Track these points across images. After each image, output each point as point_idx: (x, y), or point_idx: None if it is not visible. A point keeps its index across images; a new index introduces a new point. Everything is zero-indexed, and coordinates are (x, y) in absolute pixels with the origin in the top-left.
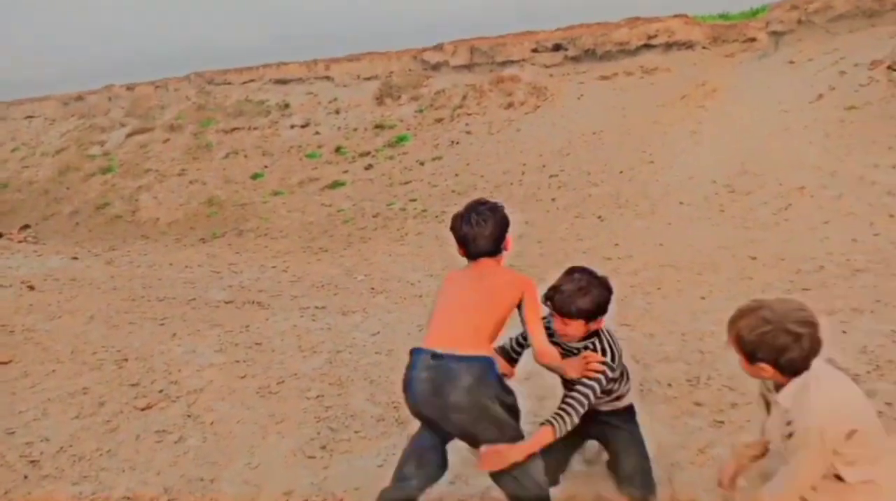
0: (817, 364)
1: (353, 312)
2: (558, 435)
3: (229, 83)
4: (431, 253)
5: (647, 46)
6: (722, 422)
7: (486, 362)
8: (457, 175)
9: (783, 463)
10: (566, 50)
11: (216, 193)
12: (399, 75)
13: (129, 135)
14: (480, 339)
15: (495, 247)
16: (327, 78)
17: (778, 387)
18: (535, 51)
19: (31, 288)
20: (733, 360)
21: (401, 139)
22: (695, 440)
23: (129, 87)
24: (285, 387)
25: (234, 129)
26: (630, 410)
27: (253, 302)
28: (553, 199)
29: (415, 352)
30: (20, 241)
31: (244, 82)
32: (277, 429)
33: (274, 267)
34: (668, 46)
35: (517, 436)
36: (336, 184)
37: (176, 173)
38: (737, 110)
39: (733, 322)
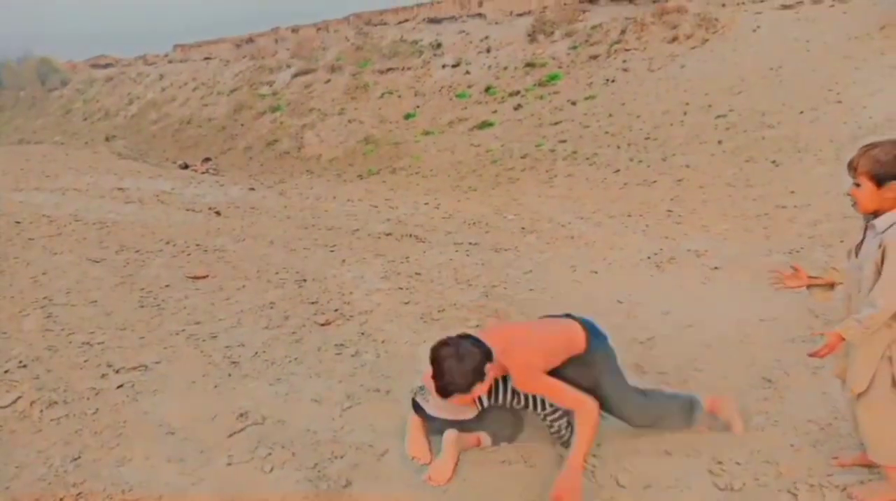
0: None
1: (506, 250)
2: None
3: (385, 23)
4: (582, 195)
5: None
6: None
7: None
8: (611, 115)
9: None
10: None
11: (372, 132)
12: (553, 10)
13: (295, 76)
14: None
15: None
16: (479, 15)
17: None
18: None
19: (218, 213)
20: None
21: (552, 78)
22: None
23: (294, 30)
24: (446, 316)
25: (388, 70)
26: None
27: (410, 236)
28: (719, 142)
29: None
30: (203, 173)
31: (399, 22)
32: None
33: (426, 203)
34: None
35: None
36: (485, 125)
37: (336, 112)
38: None
39: (864, 153)
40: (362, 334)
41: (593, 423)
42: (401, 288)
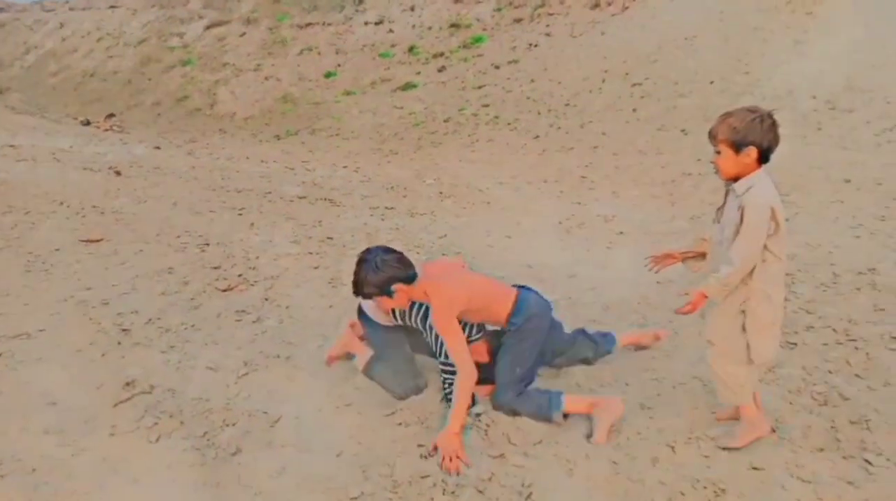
0: (765, 171)
1: (422, 214)
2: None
3: None
4: (502, 160)
5: None
6: (795, 344)
7: None
8: (533, 81)
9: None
10: None
11: (290, 90)
12: None
13: (207, 28)
14: None
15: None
16: None
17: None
18: None
19: (118, 173)
20: (813, 283)
21: (477, 40)
22: None
23: None
24: None
25: (308, 25)
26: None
27: (325, 199)
28: (634, 110)
29: None
30: (106, 129)
31: None
32: (347, 318)
33: (345, 166)
34: None
35: None
36: (408, 86)
37: (252, 68)
38: (849, 20)
39: (722, 121)
40: (266, 300)
41: (467, 388)
42: (310, 253)
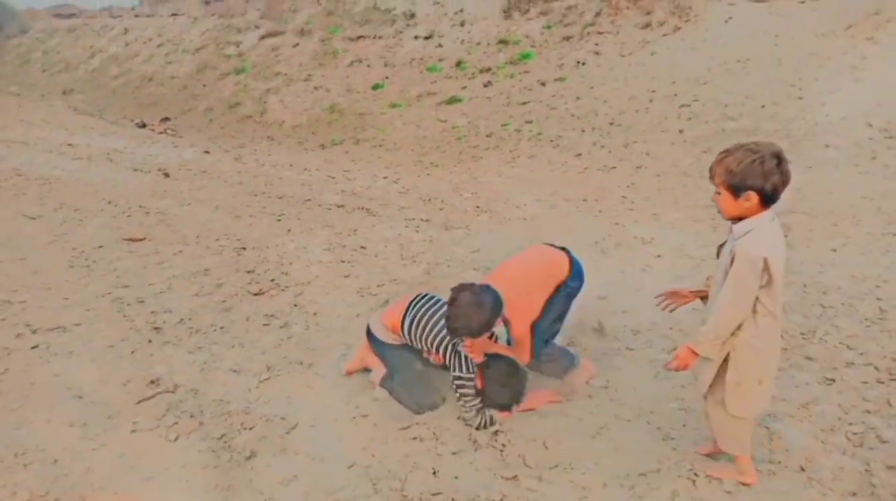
0: (772, 214)
1: (456, 228)
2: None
3: None
4: (542, 177)
5: None
6: (833, 380)
7: None
8: (578, 98)
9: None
10: None
11: (338, 101)
12: None
13: (262, 38)
14: None
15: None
16: None
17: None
18: None
19: (167, 175)
20: (857, 318)
21: (524, 56)
22: (799, 394)
23: None
24: (384, 291)
25: (359, 38)
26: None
27: (362, 209)
28: (680, 131)
29: None
30: (160, 132)
31: None
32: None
33: (385, 177)
34: None
35: None
36: (453, 100)
37: (302, 78)
38: None
39: (720, 161)
40: (295, 306)
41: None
42: (343, 261)
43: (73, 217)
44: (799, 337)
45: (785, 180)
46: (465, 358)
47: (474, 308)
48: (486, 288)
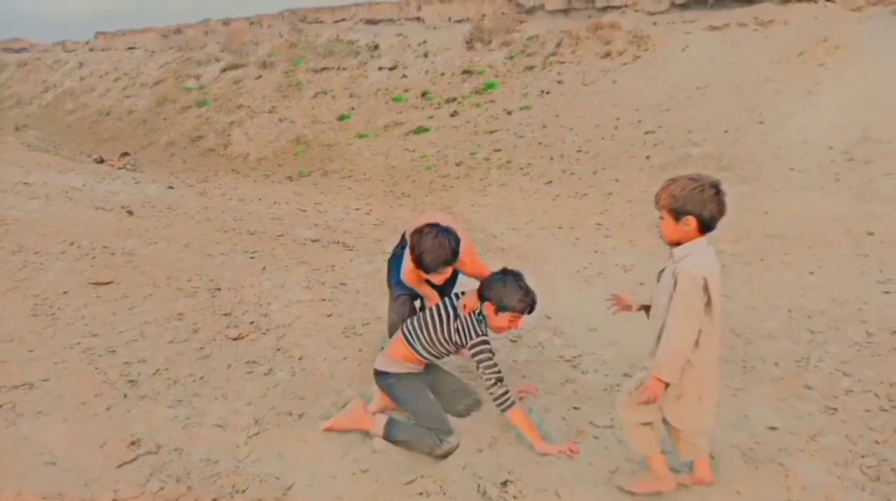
0: (707, 240)
1: None
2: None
3: (321, 21)
4: (515, 205)
5: None
6: (835, 410)
7: None
8: (545, 127)
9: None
10: None
11: (304, 132)
12: (492, 18)
13: (224, 71)
14: None
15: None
16: (418, 19)
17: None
18: None
19: (130, 213)
20: (846, 342)
21: (489, 86)
22: (804, 426)
23: (226, 23)
24: (370, 330)
25: (323, 69)
26: None
27: (338, 243)
28: (647, 157)
29: None
30: (120, 167)
31: (336, 21)
32: (361, 371)
33: (357, 209)
34: None
35: None
36: (420, 130)
37: (266, 110)
38: (862, 71)
39: (665, 188)
40: (278, 350)
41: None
42: (324, 300)
43: (33, 260)
44: (794, 365)
45: (721, 210)
46: (470, 321)
47: (442, 239)
48: (442, 226)
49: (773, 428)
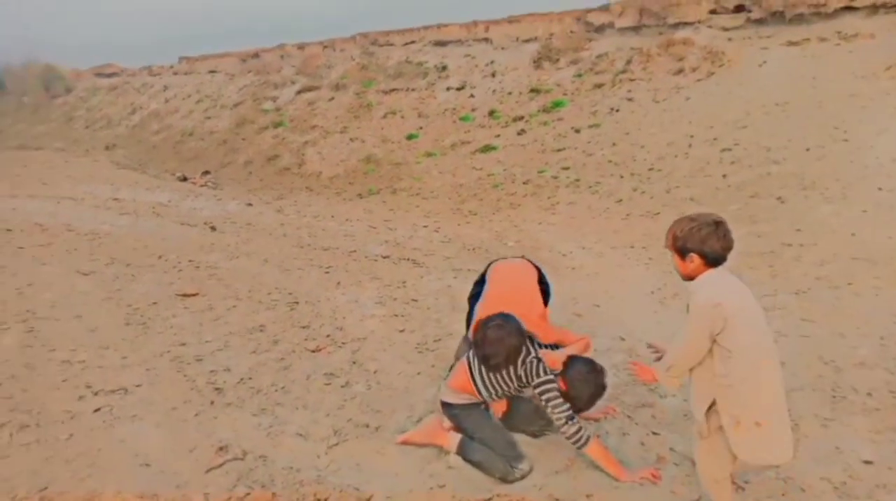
0: (726, 269)
1: None
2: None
3: (391, 44)
4: (583, 224)
5: (848, 9)
6: None
7: None
8: (614, 144)
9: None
10: (749, 11)
11: (374, 151)
12: (560, 37)
13: (299, 93)
14: None
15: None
16: (486, 40)
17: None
18: (713, 11)
19: (213, 228)
20: None
21: (556, 104)
22: None
23: (300, 47)
24: (442, 345)
25: (392, 90)
26: None
27: (408, 260)
28: (724, 176)
29: None
30: (202, 185)
31: (405, 43)
32: (435, 387)
33: (426, 226)
34: (874, 9)
35: None
36: (487, 149)
37: (338, 130)
38: None
39: (669, 229)
40: (354, 363)
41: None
42: (396, 315)
43: (125, 272)
44: (889, 396)
45: (725, 244)
46: (540, 362)
47: (503, 337)
48: (502, 317)
49: (868, 463)
